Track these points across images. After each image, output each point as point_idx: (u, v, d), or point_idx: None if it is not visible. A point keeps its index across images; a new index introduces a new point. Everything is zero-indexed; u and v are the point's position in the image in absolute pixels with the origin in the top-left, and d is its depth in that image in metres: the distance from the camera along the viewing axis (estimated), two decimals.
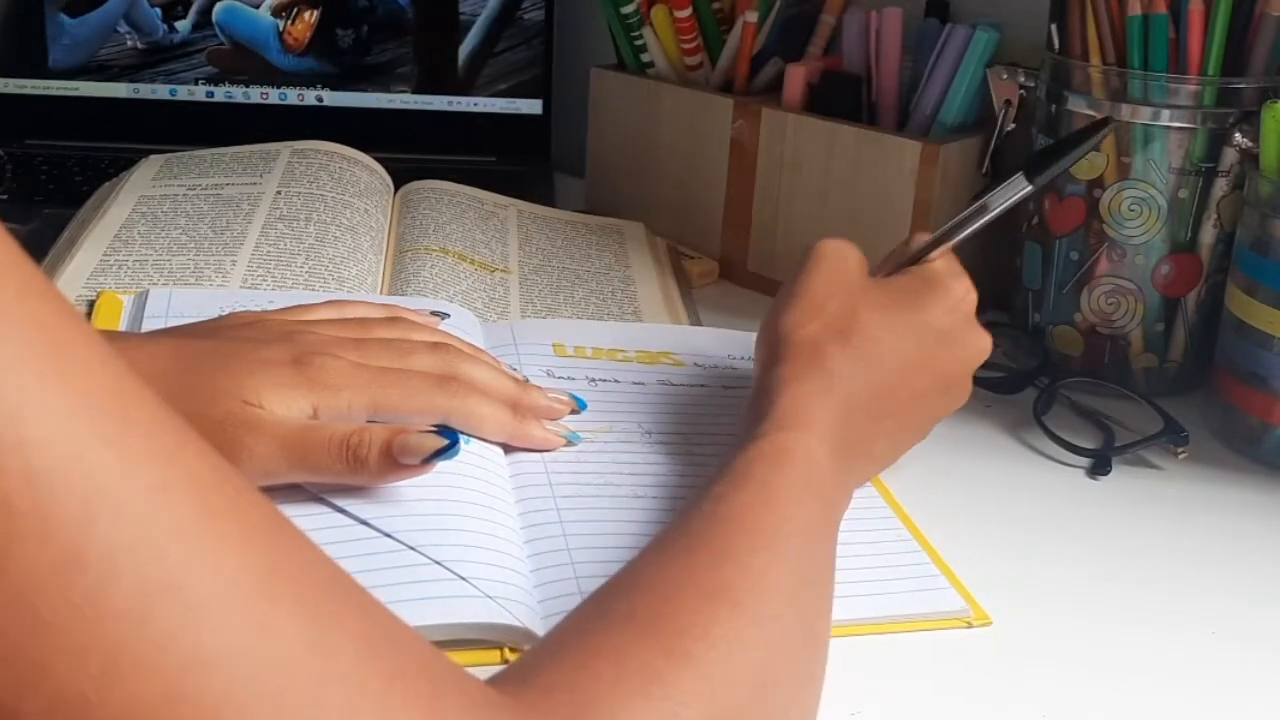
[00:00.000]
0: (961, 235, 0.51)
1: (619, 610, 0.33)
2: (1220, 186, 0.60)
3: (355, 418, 0.47)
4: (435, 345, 0.51)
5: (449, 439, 0.45)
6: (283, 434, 0.44)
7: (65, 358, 0.23)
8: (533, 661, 0.32)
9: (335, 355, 0.47)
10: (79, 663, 0.22)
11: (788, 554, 0.37)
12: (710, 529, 0.37)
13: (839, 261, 0.49)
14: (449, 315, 0.57)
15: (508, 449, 0.51)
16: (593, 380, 0.57)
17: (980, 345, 0.50)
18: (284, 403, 0.45)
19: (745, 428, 0.44)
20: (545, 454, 0.51)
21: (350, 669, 0.25)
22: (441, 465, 0.48)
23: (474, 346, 0.54)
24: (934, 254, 0.51)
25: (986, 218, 0.51)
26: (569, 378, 0.57)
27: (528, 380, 0.54)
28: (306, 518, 0.45)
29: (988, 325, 0.52)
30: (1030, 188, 0.50)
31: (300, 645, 0.24)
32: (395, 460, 0.44)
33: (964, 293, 0.50)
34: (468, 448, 0.50)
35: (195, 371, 0.45)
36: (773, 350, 0.47)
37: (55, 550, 0.22)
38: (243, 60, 0.91)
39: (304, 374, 0.46)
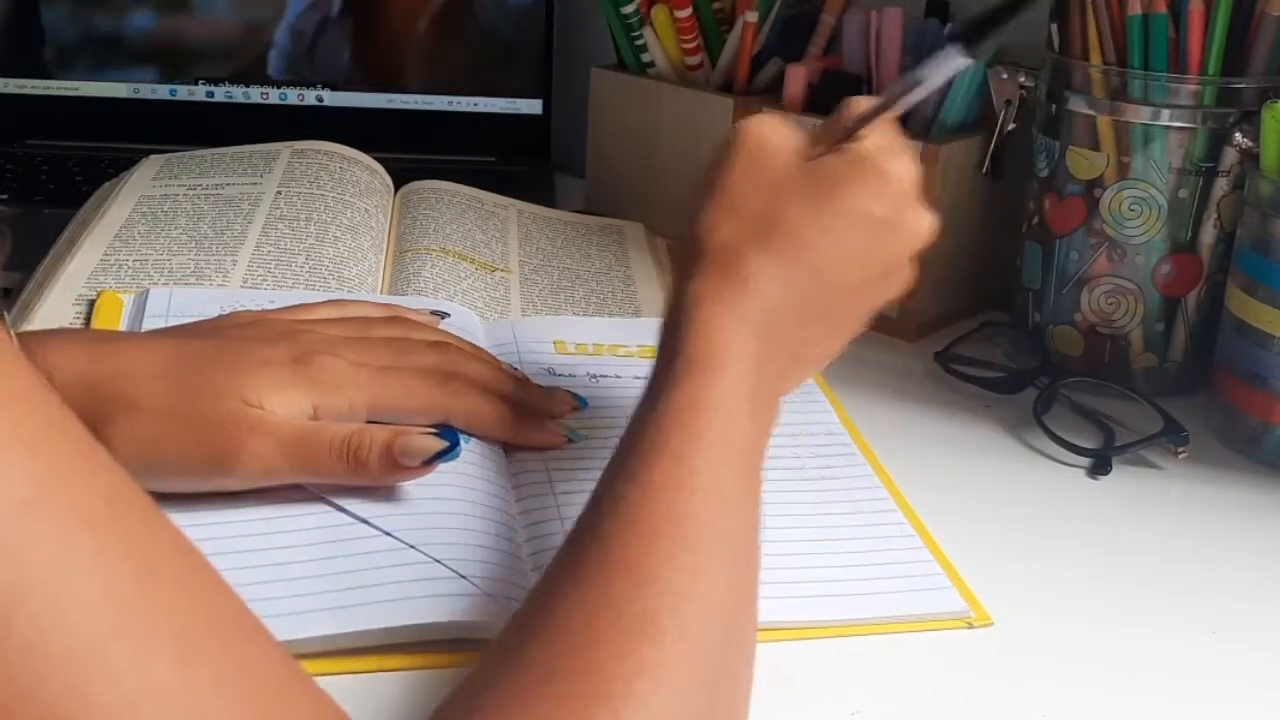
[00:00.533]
0: (895, 110, 0.45)
1: (537, 663, 0.31)
2: (1220, 186, 0.60)
3: (356, 417, 0.46)
4: (435, 344, 0.51)
5: (450, 440, 0.45)
6: (284, 435, 0.44)
7: (22, 422, 0.23)
8: None
9: (335, 354, 0.47)
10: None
11: (708, 547, 0.34)
12: (625, 531, 0.34)
13: (760, 148, 0.43)
14: (449, 315, 0.57)
15: (509, 448, 0.51)
16: (594, 376, 0.57)
17: (920, 228, 0.44)
18: (284, 403, 0.45)
19: (660, 356, 0.40)
20: (546, 452, 0.51)
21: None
22: (445, 465, 0.48)
23: (474, 345, 0.54)
24: (865, 130, 0.44)
25: (921, 91, 0.45)
26: (570, 375, 0.57)
27: (528, 379, 0.54)
28: (306, 516, 0.45)
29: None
30: (968, 61, 0.45)
31: (170, 681, 0.24)
32: (396, 461, 0.44)
33: (902, 171, 0.43)
34: (468, 447, 0.50)
35: (195, 371, 0.45)
36: (685, 257, 0.42)
37: None
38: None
39: (304, 373, 0.46)
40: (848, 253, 0.42)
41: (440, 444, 0.45)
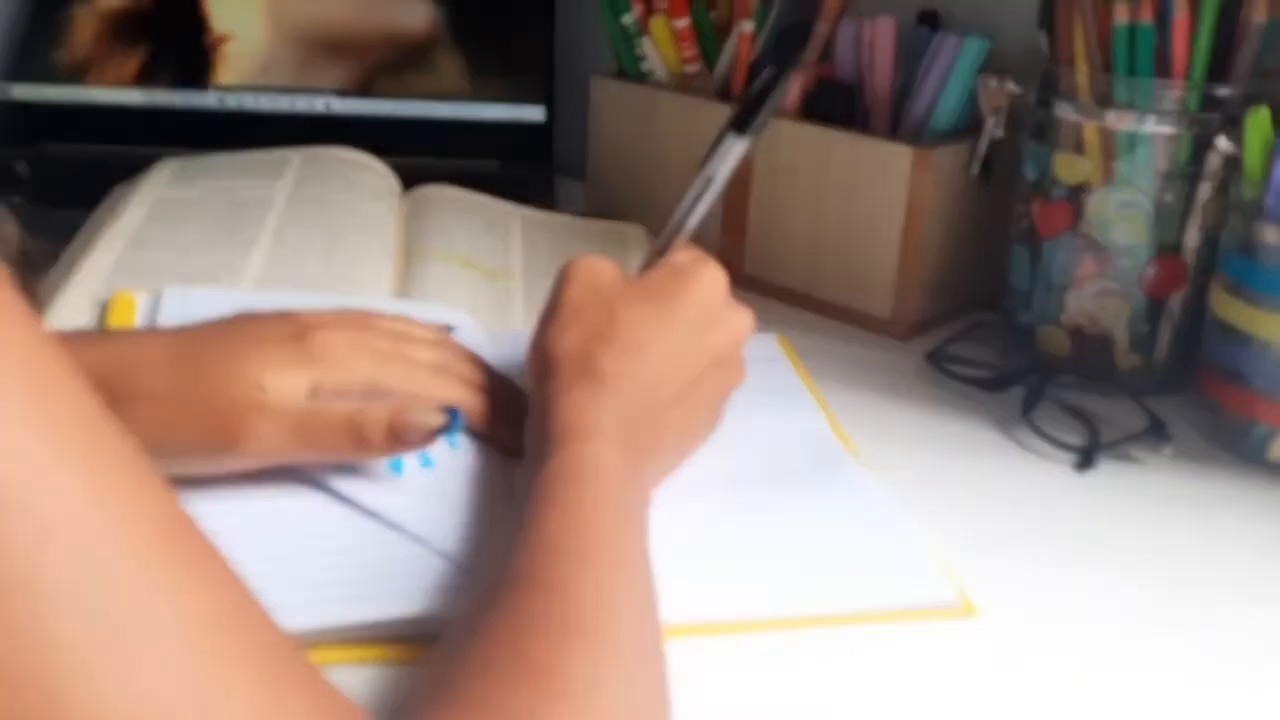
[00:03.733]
0: (697, 215, 0.52)
1: (476, 659, 0.33)
2: (1205, 190, 0.61)
3: (352, 395, 0.47)
4: (435, 342, 0.52)
5: (451, 415, 0.46)
6: (288, 416, 0.45)
7: (36, 377, 0.23)
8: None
9: (336, 332, 0.48)
10: (17, 694, 0.21)
11: (613, 570, 0.37)
12: (531, 562, 0.37)
13: (590, 272, 0.49)
14: (458, 328, 0.58)
15: (510, 453, 0.51)
16: None
17: (741, 322, 0.51)
18: (284, 380, 0.45)
19: (531, 449, 0.44)
20: None
21: None
22: (450, 463, 0.49)
23: (474, 353, 0.55)
24: (675, 244, 0.52)
25: (715, 188, 0.52)
26: None
27: (522, 390, 0.55)
28: (310, 508, 0.46)
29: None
30: (747, 140, 0.52)
31: (253, 705, 0.23)
32: (399, 437, 0.45)
33: (711, 276, 0.50)
34: (473, 446, 0.50)
35: (196, 355, 0.46)
36: (540, 368, 0.47)
37: (5, 570, 0.21)
38: None
39: (303, 348, 0.46)
40: (682, 344, 0.48)
41: (442, 418, 0.45)
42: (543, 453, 0.42)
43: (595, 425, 0.43)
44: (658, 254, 0.52)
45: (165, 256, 0.64)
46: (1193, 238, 0.62)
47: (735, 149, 0.52)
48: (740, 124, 0.52)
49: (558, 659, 0.33)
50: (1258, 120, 0.57)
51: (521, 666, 0.32)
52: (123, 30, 0.90)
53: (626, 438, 0.44)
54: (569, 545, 0.38)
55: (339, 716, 0.26)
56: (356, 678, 0.39)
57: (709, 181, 0.52)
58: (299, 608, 0.40)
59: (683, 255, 0.52)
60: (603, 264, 0.50)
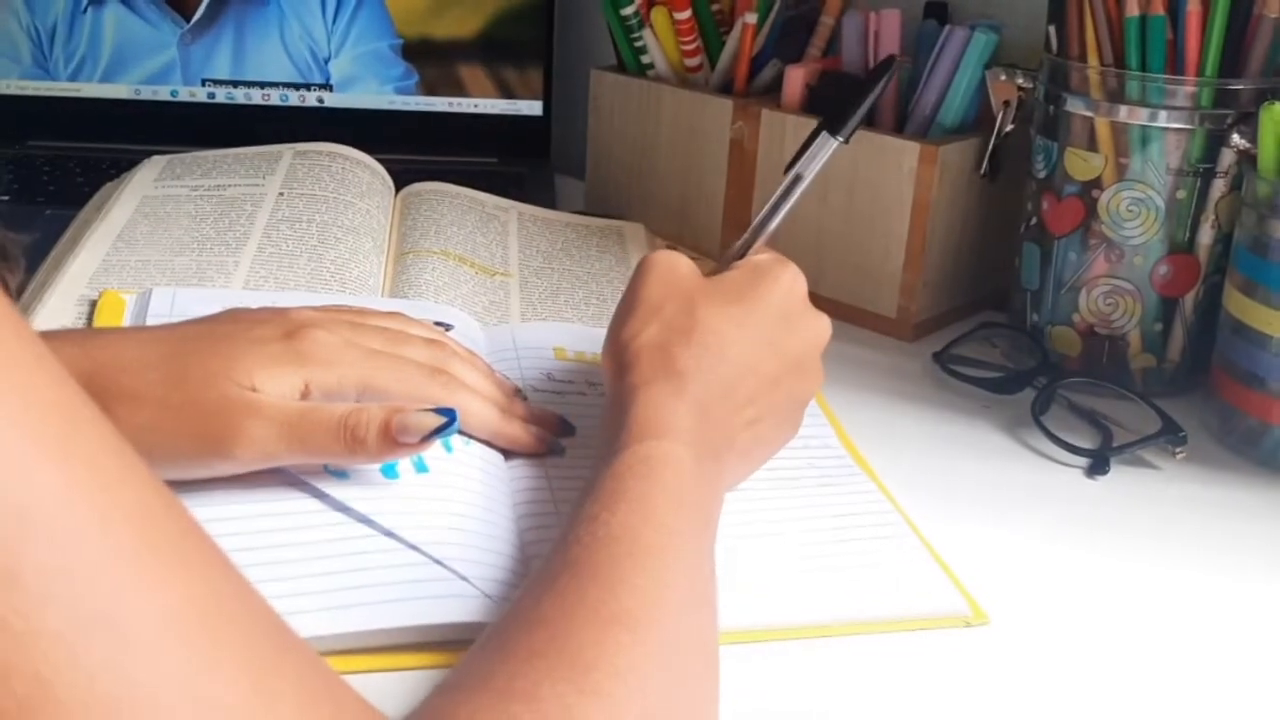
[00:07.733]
0: (782, 213, 0.52)
1: (521, 647, 0.33)
2: (1218, 187, 0.61)
3: (345, 395, 0.46)
4: (430, 340, 0.51)
5: (447, 416, 0.45)
6: (280, 417, 0.44)
7: (11, 370, 0.23)
8: (444, 703, 0.31)
9: (329, 330, 0.47)
10: (4, 681, 0.21)
11: (673, 569, 0.37)
12: (593, 554, 0.36)
13: (668, 268, 0.49)
14: (453, 326, 0.57)
15: (508, 455, 0.51)
16: (593, 384, 0.57)
17: (820, 326, 0.50)
18: (275, 380, 0.45)
19: (604, 441, 0.43)
20: (546, 460, 0.51)
21: (289, 717, 0.24)
22: (443, 466, 0.48)
23: (470, 351, 0.54)
24: (758, 244, 0.52)
25: (802, 187, 0.52)
26: (569, 381, 0.57)
27: (519, 389, 0.54)
28: (307, 515, 0.45)
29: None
30: (840, 142, 0.51)
31: (239, 688, 0.24)
32: (394, 439, 0.44)
33: (792, 278, 0.50)
34: (468, 449, 0.50)
35: (187, 357, 0.45)
36: (618, 361, 0.47)
37: None
38: None
39: (295, 348, 0.46)
40: (760, 345, 0.47)
41: (438, 420, 0.44)
42: (615, 446, 0.42)
43: (672, 423, 0.43)
44: (738, 253, 0.52)
45: (153, 255, 0.63)
46: (1206, 235, 0.62)
47: (828, 149, 0.51)
48: (834, 125, 0.51)
49: (602, 654, 0.32)
50: (1272, 115, 0.56)
51: (563, 659, 0.32)
52: None
53: (702, 438, 0.43)
54: (632, 541, 0.37)
55: (331, 703, 0.26)
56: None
57: (797, 180, 0.52)
58: (286, 617, 0.39)
59: (763, 255, 0.51)
60: (680, 260, 0.49)
